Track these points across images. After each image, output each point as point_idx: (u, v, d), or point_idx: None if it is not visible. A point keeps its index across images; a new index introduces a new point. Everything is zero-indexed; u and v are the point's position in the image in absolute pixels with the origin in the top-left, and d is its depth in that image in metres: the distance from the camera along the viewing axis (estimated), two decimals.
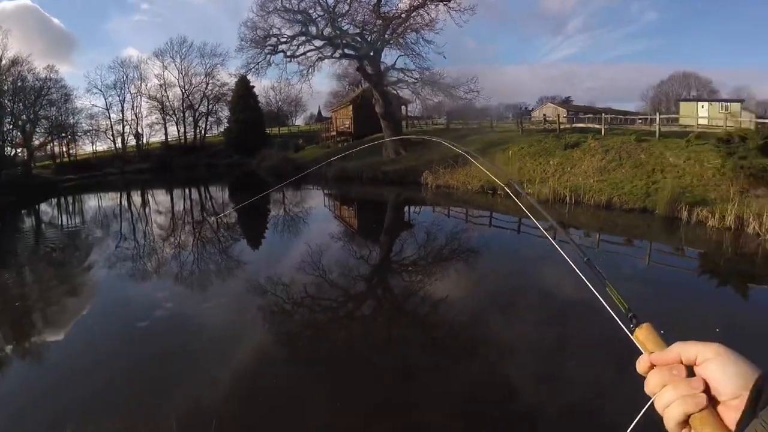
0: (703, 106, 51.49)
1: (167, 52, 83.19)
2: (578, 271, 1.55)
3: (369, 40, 41.98)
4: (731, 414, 0.90)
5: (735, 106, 51.30)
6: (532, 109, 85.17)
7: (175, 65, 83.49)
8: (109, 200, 44.37)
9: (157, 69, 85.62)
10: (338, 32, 41.15)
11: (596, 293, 1.40)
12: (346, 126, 58.44)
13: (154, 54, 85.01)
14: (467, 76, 42.48)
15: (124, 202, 41.96)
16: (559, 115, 42.47)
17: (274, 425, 6.82)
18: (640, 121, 40.77)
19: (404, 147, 42.20)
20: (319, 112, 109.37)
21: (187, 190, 48.42)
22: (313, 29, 42.06)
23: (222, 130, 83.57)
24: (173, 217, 30.67)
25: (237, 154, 69.21)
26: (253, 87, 73.84)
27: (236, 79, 69.28)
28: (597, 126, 34.43)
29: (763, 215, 17.06)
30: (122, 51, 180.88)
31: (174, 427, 6.21)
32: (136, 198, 44.99)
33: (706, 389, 0.93)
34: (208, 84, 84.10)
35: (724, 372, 0.91)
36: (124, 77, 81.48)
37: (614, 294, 1.39)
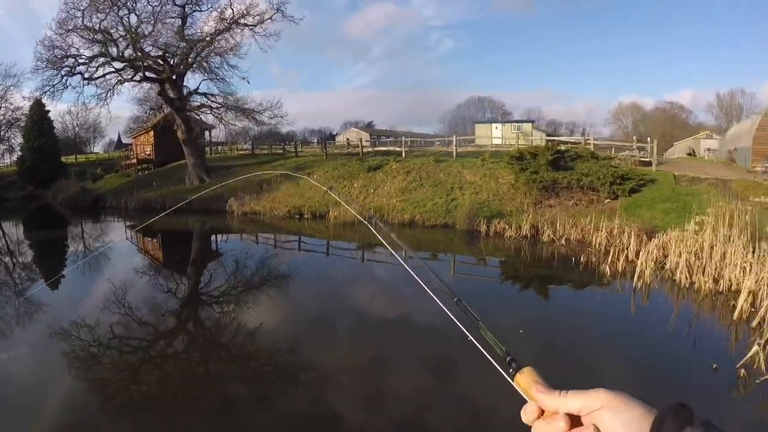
0: (497, 127, 55.32)
1: None
2: (447, 311, 1.67)
3: (172, 63, 41.02)
4: None
5: (527, 126, 55.96)
6: (337, 134, 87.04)
7: None
8: None
9: None
10: (140, 54, 39.80)
11: (465, 331, 1.51)
12: (147, 153, 56.36)
13: None
14: (271, 101, 42.78)
15: None
16: (362, 139, 43.79)
17: None
18: (438, 143, 42.90)
19: (207, 174, 41.68)
20: (119, 139, 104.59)
21: None
22: (113, 50, 40.26)
23: (15, 159, 77.80)
24: None
25: (31, 185, 64.71)
26: (49, 111, 69.12)
27: (30, 103, 64.86)
28: (398, 149, 36.24)
29: (556, 223, 18.78)
30: None
31: None
32: None
33: None
34: (0, 108, 78.12)
35: (615, 420, 0.90)
36: None
37: (490, 337, 1.33)
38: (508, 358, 1.17)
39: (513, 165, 23.38)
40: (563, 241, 18.66)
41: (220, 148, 59.50)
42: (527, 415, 1.03)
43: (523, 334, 10.27)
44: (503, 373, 1.17)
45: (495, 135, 47.75)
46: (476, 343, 1.44)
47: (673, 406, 0.86)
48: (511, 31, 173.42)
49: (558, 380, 1.03)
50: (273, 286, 16.40)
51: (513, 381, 1.11)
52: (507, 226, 20.26)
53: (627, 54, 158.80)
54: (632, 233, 17.13)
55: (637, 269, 13.98)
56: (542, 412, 1.01)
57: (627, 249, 16.17)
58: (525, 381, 1.07)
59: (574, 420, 0.96)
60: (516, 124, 56.54)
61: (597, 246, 17.78)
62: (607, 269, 15.16)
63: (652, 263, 14.49)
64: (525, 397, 1.05)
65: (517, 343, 9.67)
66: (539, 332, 10.87)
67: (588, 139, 32.75)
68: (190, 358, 10.84)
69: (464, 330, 1.51)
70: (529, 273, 16.18)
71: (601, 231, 18.05)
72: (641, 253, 14.96)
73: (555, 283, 15.14)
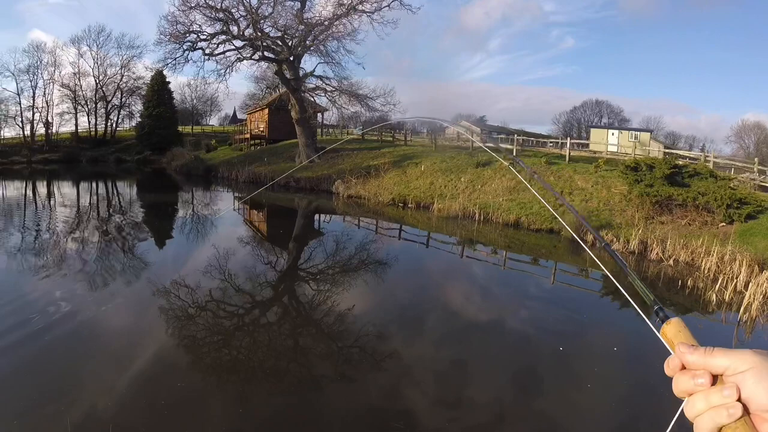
0: (613, 134, 53.41)
1: (84, 40, 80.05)
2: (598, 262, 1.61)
3: (290, 44, 41.74)
4: (766, 426, 0.85)
5: (645, 136, 53.62)
6: (447, 126, 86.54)
7: (91, 54, 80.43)
8: (14, 190, 42.50)
9: (72, 56, 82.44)
10: (259, 34, 40.67)
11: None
12: (261, 129, 58.14)
13: (70, 40, 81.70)
14: (385, 88, 42.95)
15: (29, 193, 40.23)
16: (473, 133, 43.18)
17: None
18: (551, 144, 41.98)
19: (318, 155, 42.34)
20: (234, 114, 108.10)
21: (94, 185, 46.73)
22: (234, 29, 41.46)
23: (134, 124, 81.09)
24: (78, 211, 29.39)
25: (148, 150, 67.50)
26: (169, 83, 71.95)
27: (152, 73, 67.92)
28: (509, 146, 35.32)
29: (666, 241, 17.89)
30: (29, 33, 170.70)
31: None
32: (42, 189, 43.19)
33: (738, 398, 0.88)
34: (123, 76, 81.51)
35: (760, 386, 0.86)
36: (38, 62, 77.76)
37: (638, 285, 1.34)
38: (656, 307, 1.14)
39: (627, 175, 22.36)
40: (671, 262, 17.62)
41: (331, 130, 60.42)
42: (670, 368, 0.98)
43: (617, 351, 9.89)
44: (648, 322, 1.18)
45: (611, 142, 46.18)
46: (623, 291, 1.51)
47: None
48: (635, 34, 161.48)
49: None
50: (369, 271, 16.37)
51: (659, 332, 1.06)
52: (615, 239, 19.44)
53: (759, 70, 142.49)
54: (744, 262, 16.10)
55: (745, 301, 13.11)
56: (683, 367, 0.95)
57: (737, 278, 15.16)
58: (671, 333, 1.02)
59: (716, 377, 0.91)
60: (634, 132, 54.46)
61: (706, 271, 16.78)
62: (714, 297, 14.22)
63: (761, 297, 13.51)
64: (669, 349, 1.01)
65: (610, 359, 9.40)
66: (635, 354, 10.37)
67: (708, 156, 30.88)
68: (280, 329, 10.94)
69: (610, 276, 1.60)
70: (631, 291, 15.41)
71: (712, 256, 16.94)
72: (750, 285, 13.92)
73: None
